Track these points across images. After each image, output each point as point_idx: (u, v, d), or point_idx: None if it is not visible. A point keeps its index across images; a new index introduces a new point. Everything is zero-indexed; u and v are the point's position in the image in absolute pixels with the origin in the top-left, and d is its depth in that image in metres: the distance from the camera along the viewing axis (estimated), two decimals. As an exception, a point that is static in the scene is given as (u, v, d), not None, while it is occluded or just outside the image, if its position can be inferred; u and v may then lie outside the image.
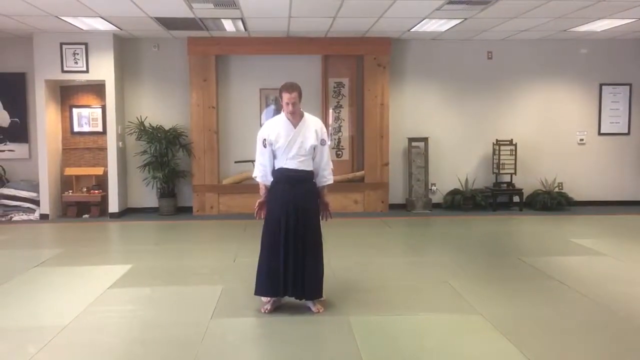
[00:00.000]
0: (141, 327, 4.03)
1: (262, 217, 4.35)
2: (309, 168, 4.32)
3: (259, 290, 4.28)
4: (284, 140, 4.21)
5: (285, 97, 4.21)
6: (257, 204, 4.38)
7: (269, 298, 4.28)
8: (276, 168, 4.30)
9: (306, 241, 4.20)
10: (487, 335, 3.81)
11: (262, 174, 4.33)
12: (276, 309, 4.32)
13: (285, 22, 7.87)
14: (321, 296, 4.34)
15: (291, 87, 4.25)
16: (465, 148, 9.61)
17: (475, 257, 6.16)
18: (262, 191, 4.40)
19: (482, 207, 9.27)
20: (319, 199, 4.44)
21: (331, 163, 4.49)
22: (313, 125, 4.31)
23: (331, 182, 4.48)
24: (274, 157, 4.29)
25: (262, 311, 4.23)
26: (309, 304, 4.32)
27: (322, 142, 4.35)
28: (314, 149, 4.29)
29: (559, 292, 4.83)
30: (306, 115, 4.37)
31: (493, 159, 9.46)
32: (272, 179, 4.31)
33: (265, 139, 4.26)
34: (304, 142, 4.23)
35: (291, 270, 4.15)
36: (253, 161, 9.13)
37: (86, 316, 4.21)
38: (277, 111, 9.36)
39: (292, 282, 4.16)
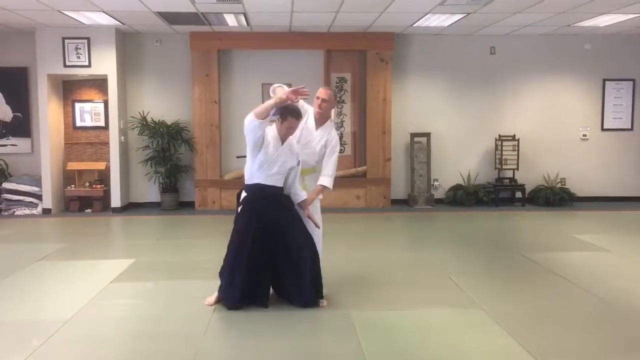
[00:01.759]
0: (144, 321, 4.04)
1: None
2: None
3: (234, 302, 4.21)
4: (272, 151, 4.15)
5: (294, 122, 4.18)
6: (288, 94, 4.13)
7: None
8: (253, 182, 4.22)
9: (290, 250, 4.17)
10: (489, 330, 3.81)
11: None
12: (278, 303, 4.33)
13: (288, 16, 7.85)
14: (321, 297, 4.34)
15: (299, 114, 4.22)
16: (467, 143, 9.60)
17: (478, 252, 6.15)
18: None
19: (484, 203, 9.26)
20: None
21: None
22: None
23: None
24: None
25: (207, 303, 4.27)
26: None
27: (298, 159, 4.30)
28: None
29: (560, 287, 4.83)
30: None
31: (495, 154, 9.44)
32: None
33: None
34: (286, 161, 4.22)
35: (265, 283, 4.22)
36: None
37: (89, 310, 4.22)
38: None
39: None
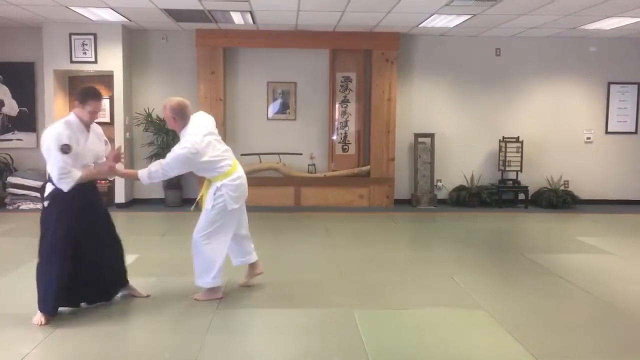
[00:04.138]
0: (147, 316, 4.06)
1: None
2: None
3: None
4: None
5: (97, 104, 4.03)
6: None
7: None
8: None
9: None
10: (491, 330, 3.83)
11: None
12: (281, 300, 4.35)
13: (294, 15, 7.87)
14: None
15: (100, 94, 4.12)
16: (471, 144, 9.61)
17: (480, 253, 6.17)
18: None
19: (487, 204, 9.27)
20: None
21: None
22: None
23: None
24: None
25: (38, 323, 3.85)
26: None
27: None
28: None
29: (563, 288, 4.85)
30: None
31: (499, 155, 9.45)
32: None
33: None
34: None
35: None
36: (259, 154, 9.24)
37: (91, 305, 4.24)
38: (285, 105, 9.41)
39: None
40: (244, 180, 4.57)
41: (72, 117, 3.99)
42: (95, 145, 4.10)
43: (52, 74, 8.66)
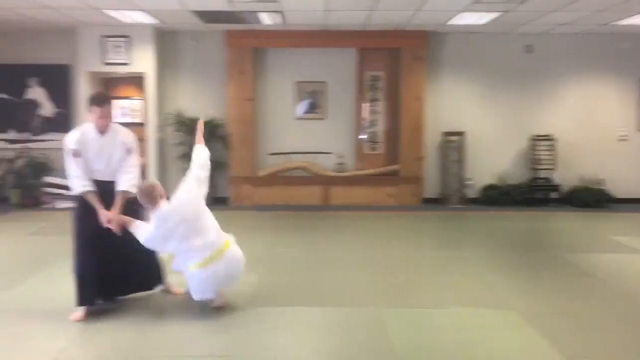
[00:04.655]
0: (180, 312, 4.15)
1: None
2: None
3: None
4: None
5: (97, 109, 4.07)
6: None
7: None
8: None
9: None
10: (522, 330, 3.80)
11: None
12: (310, 299, 4.39)
13: (323, 15, 7.90)
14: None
15: (104, 100, 4.18)
16: (502, 143, 9.50)
17: (511, 252, 6.11)
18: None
19: (518, 203, 9.14)
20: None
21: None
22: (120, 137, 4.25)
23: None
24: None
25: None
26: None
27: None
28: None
29: (596, 288, 4.78)
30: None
31: (531, 154, 9.32)
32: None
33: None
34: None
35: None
36: (288, 153, 9.30)
37: (124, 299, 4.34)
38: (313, 104, 9.45)
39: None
40: (224, 269, 4.09)
41: (89, 122, 4.15)
42: (107, 150, 4.15)
43: (86, 76, 8.86)
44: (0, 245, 6.42)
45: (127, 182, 4.17)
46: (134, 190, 4.16)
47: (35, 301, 4.38)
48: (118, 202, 4.12)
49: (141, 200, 4.06)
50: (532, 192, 9.20)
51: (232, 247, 4.20)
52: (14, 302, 4.38)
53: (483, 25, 8.53)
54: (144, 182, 4.19)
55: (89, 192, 4.06)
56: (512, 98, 9.45)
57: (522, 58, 9.41)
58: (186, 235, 4.00)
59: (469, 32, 9.17)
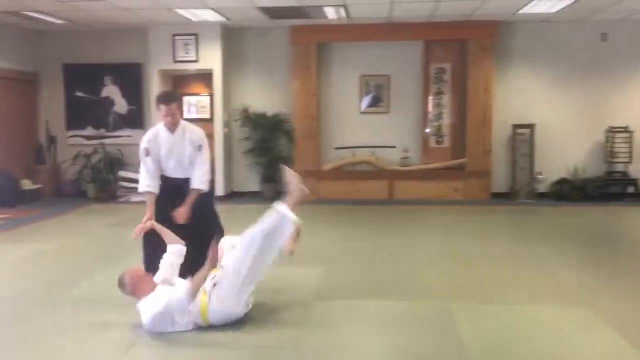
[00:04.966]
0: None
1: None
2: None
3: None
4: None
5: (163, 107, 4.17)
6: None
7: None
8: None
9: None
10: (599, 330, 3.65)
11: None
12: (377, 292, 4.38)
13: (387, 7, 7.83)
14: None
15: (169, 98, 4.24)
16: (574, 135, 9.14)
17: (585, 248, 5.88)
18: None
19: (592, 198, 8.77)
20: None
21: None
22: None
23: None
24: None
25: None
26: None
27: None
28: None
29: (679, 288, 4.53)
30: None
31: (606, 146, 8.92)
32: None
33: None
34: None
35: None
36: (352, 147, 9.28)
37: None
38: (377, 98, 9.40)
39: None
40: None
41: (160, 121, 4.30)
42: (177, 148, 4.28)
43: (157, 73, 9.16)
44: (79, 236, 6.76)
45: (198, 180, 4.31)
46: (205, 187, 4.32)
47: (111, 291, 4.55)
48: (189, 200, 4.26)
49: (126, 291, 3.72)
50: (607, 187, 8.81)
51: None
52: (91, 291, 4.57)
53: (556, 13, 8.20)
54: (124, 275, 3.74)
55: (149, 192, 4.25)
56: (586, 88, 9.07)
57: (597, 47, 9.01)
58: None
59: (541, 20, 8.85)
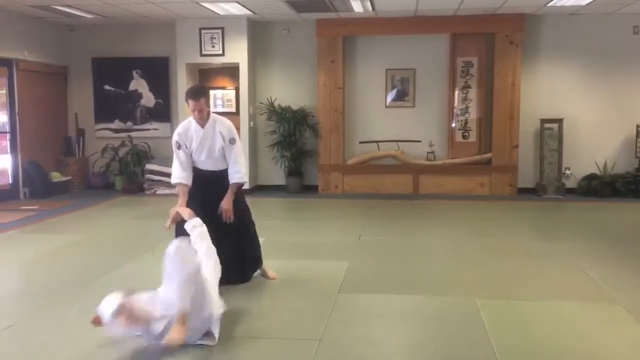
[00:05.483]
0: (271, 297, 4.26)
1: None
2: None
3: None
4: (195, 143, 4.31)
5: (192, 103, 4.20)
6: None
7: None
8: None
9: None
10: (628, 327, 3.60)
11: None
12: (401, 287, 4.37)
13: (414, 1, 7.77)
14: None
15: (197, 93, 4.25)
16: (604, 130, 8.98)
17: (615, 245, 5.77)
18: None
19: (622, 194, 8.62)
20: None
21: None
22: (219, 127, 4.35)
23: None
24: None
25: None
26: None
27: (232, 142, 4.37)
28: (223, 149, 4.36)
29: None
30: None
31: (637, 142, 8.74)
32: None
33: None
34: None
35: None
36: (378, 141, 9.26)
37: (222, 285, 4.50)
38: (403, 92, 9.35)
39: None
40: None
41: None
42: (207, 141, 4.32)
43: (184, 67, 9.24)
44: (107, 227, 6.87)
45: (235, 174, 4.38)
46: (245, 180, 4.44)
47: (139, 281, 4.63)
48: (230, 194, 4.35)
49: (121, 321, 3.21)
50: (637, 183, 8.64)
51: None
52: (120, 281, 4.63)
53: (586, 5, 8.05)
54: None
55: (181, 184, 4.32)
56: (617, 83, 8.89)
57: (629, 40, 8.82)
58: None
59: (570, 13, 8.70)
